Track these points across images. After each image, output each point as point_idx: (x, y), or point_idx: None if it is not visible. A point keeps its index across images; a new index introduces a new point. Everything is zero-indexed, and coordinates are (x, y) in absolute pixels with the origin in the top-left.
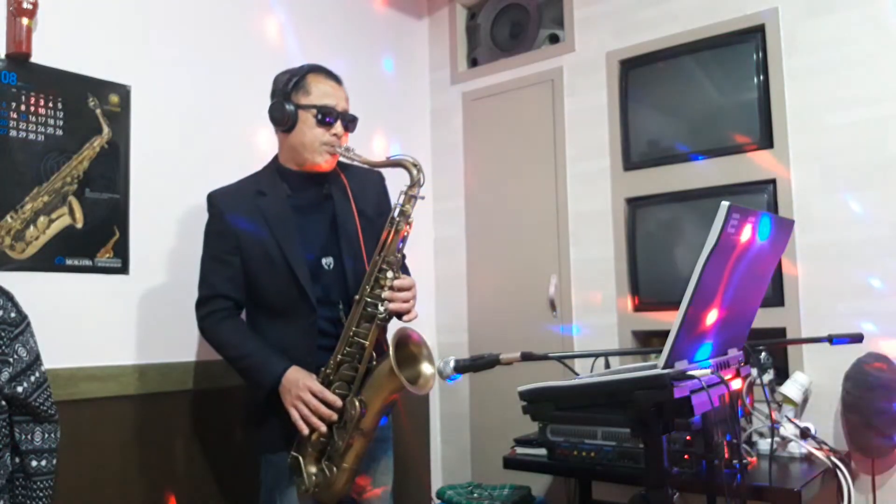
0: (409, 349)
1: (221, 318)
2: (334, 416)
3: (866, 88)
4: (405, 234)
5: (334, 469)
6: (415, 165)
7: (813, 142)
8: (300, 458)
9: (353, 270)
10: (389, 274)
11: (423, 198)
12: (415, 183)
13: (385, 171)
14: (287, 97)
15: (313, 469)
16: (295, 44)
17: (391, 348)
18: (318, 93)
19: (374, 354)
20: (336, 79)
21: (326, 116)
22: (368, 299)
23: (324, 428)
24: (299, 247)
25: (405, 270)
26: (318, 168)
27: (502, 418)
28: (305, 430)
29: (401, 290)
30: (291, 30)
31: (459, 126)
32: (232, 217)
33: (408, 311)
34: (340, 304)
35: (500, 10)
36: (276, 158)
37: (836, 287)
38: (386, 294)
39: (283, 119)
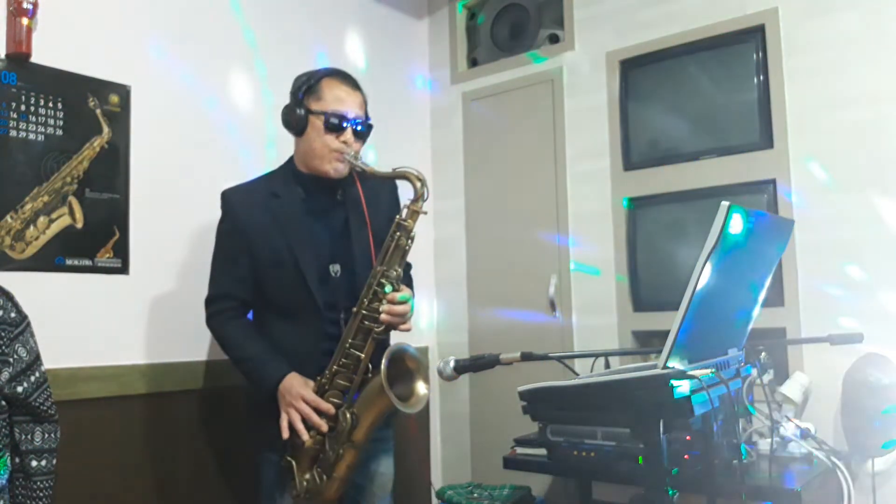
0: (406, 365)
1: (228, 318)
2: (324, 426)
3: (866, 88)
4: (406, 248)
5: (325, 477)
6: (419, 179)
7: (813, 142)
8: (293, 463)
9: (361, 279)
10: (388, 288)
11: (426, 213)
12: (419, 197)
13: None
14: (299, 101)
15: (306, 475)
16: (295, 44)
17: (383, 366)
18: (331, 98)
19: (370, 366)
20: (352, 83)
21: (336, 123)
22: (365, 312)
23: (306, 436)
24: (310, 251)
25: (407, 278)
26: (326, 175)
27: (502, 418)
28: (286, 434)
29: (399, 304)
30: (291, 30)
31: (459, 126)
32: (244, 217)
33: (403, 323)
34: (343, 312)
35: (501, 10)
36: (291, 159)
37: (836, 287)
38: (384, 308)
39: (293, 123)
